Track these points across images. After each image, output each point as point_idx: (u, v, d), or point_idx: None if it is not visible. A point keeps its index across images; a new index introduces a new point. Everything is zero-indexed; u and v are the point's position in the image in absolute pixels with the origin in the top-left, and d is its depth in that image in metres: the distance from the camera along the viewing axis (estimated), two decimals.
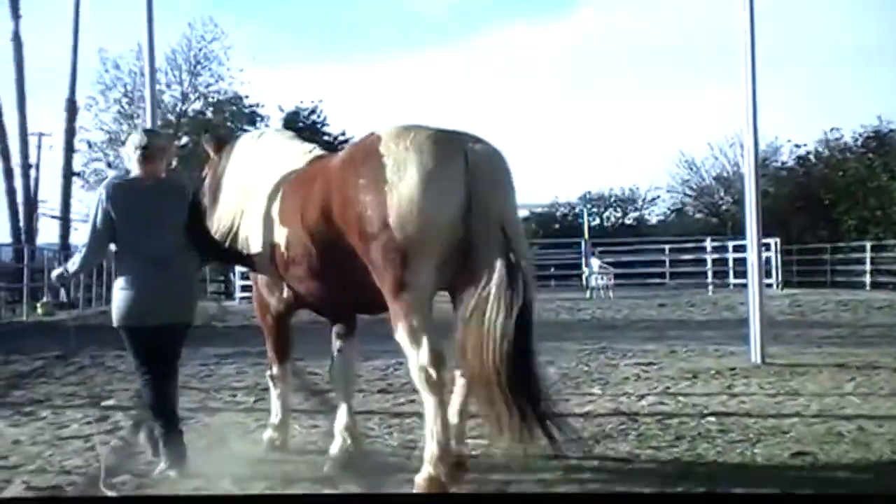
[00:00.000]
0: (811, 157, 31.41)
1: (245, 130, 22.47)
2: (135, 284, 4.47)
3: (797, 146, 31.68)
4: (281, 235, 4.58)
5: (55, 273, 5.03)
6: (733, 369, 8.59)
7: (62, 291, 6.24)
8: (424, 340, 3.93)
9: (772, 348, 9.30)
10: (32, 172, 27.93)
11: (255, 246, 4.86)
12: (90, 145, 27.82)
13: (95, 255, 4.80)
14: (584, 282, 25.33)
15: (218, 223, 5.13)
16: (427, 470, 4.02)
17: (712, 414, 6.31)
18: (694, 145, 39.67)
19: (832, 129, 30.60)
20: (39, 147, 29.47)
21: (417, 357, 3.97)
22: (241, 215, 5.01)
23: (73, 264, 4.76)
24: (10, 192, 25.59)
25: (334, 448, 4.83)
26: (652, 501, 3.64)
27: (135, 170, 4.62)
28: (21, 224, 26.10)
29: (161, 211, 4.59)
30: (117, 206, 4.48)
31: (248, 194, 5.00)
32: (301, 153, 5.04)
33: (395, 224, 3.88)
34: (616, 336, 12.38)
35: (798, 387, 7.53)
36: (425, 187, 3.87)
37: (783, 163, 32.12)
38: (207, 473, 4.47)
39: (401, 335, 4.04)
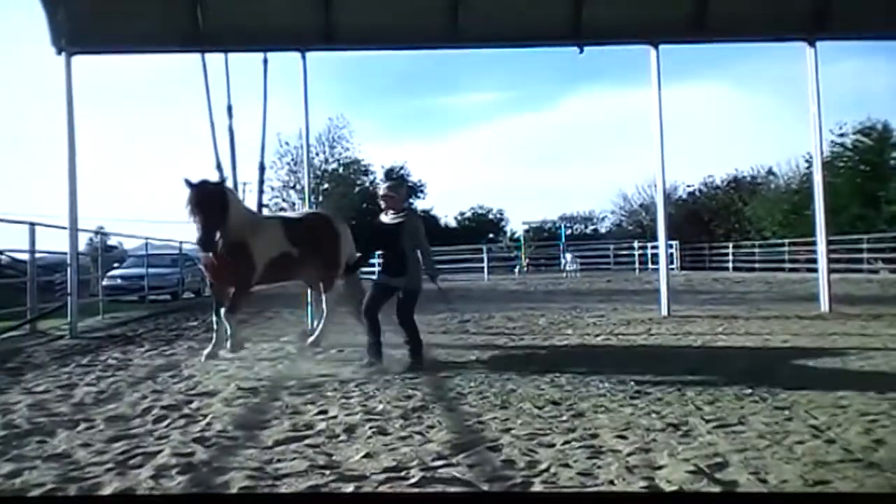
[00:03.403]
0: (696, 192, 46.29)
1: (360, 181, 42.79)
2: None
3: (688, 185, 46.42)
4: None
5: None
6: (651, 319, 11.28)
7: None
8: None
9: (674, 306, 12.11)
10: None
11: None
12: (272, 189, 41.24)
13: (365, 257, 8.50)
14: (562, 267, 35.05)
15: None
16: None
17: (639, 345, 8.56)
18: (627, 186, 52.58)
19: (708, 176, 46.24)
20: (244, 191, 39.92)
21: None
22: None
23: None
24: None
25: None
26: (652, 501, 3.48)
27: (383, 205, 7.46)
28: None
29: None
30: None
31: None
32: None
33: None
34: (581, 300, 16.06)
35: (689, 329, 9.85)
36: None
37: (680, 196, 45.49)
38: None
39: None
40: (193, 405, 5.59)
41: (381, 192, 7.63)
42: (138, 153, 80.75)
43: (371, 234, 7.91)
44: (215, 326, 8.20)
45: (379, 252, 8.06)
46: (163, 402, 5.68)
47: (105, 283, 16.97)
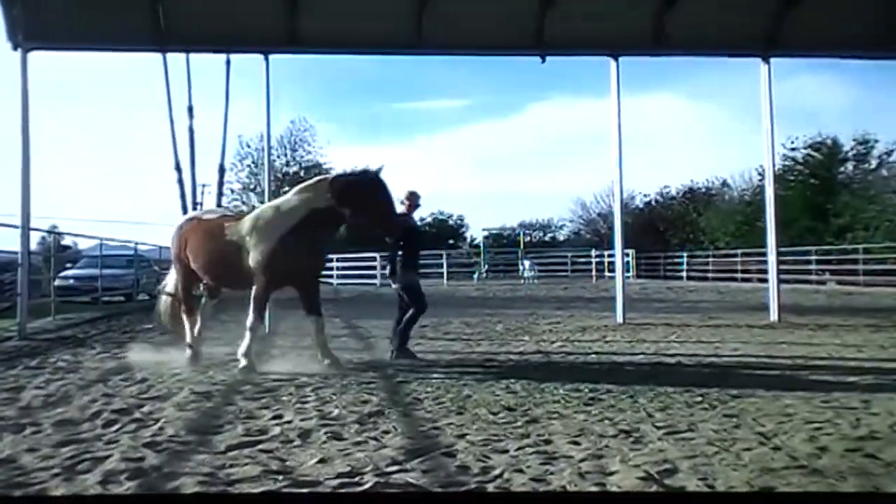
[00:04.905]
0: (652, 202, 46.56)
1: None
2: None
3: (645, 195, 46.60)
4: None
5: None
6: (607, 326, 11.45)
7: None
8: None
9: (629, 314, 12.31)
10: (199, 207, 38.22)
11: None
12: (232, 191, 40.71)
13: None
14: (520, 274, 35.12)
15: None
16: None
17: (594, 352, 8.66)
18: (586, 195, 52.75)
19: (665, 186, 46.69)
20: (203, 192, 41.14)
21: None
22: None
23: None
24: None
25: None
26: (652, 501, 3.51)
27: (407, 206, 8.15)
28: None
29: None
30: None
31: None
32: None
33: None
34: (539, 306, 16.16)
35: (643, 337, 10.02)
36: None
37: (637, 205, 45.53)
38: None
39: None
40: (145, 409, 5.48)
41: (410, 193, 8.42)
42: (95, 152, 79.04)
43: (413, 233, 8.52)
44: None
45: (407, 249, 8.36)
46: (113, 406, 5.56)
47: (57, 283, 16.51)
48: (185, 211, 40.98)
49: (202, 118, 50.04)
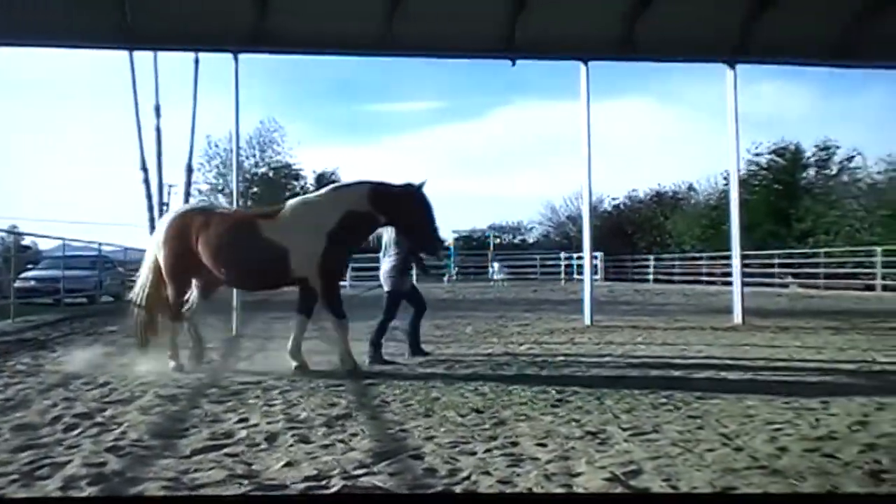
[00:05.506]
0: (621, 205, 46.66)
1: (291, 186, 41.76)
2: None
3: (613, 199, 46.74)
4: None
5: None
6: (575, 328, 11.52)
7: None
8: None
9: (597, 316, 12.43)
10: (165, 207, 39.55)
11: None
12: (200, 192, 40.52)
13: None
14: (489, 276, 35.19)
15: None
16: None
17: (562, 354, 8.67)
18: (555, 198, 53.92)
19: (632, 190, 46.73)
20: (170, 193, 41.53)
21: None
22: None
23: None
24: (152, 219, 37.05)
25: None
26: (652, 501, 3.52)
27: None
28: None
29: None
30: None
31: None
32: None
33: None
34: (507, 308, 16.25)
35: (610, 339, 10.09)
36: None
37: (605, 209, 45.73)
38: None
39: None
40: (107, 413, 5.40)
41: None
42: (58, 151, 77.61)
43: None
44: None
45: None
46: (75, 411, 5.46)
47: (17, 284, 16.18)
48: (151, 211, 41.04)
49: (169, 118, 49.28)
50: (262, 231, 7.27)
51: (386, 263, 8.28)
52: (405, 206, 7.26)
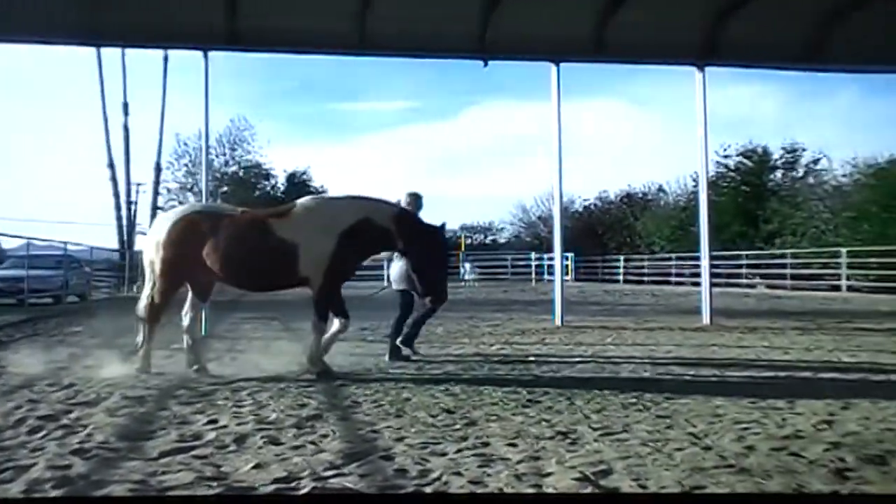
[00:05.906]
0: (591, 206, 47.10)
1: (261, 185, 42.65)
2: None
3: (584, 200, 47.35)
4: None
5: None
6: (545, 329, 11.62)
7: None
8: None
9: (567, 316, 12.51)
10: (133, 206, 42.45)
11: None
12: (168, 191, 41.29)
13: None
14: (460, 277, 34.88)
15: None
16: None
17: (533, 354, 8.73)
18: (526, 198, 53.89)
19: (603, 190, 47.34)
20: (138, 192, 42.77)
21: None
22: None
23: None
24: (119, 218, 40.21)
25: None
26: (622, 501, 3.50)
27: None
28: (124, 238, 40.58)
29: None
30: None
31: None
32: None
33: None
34: (478, 309, 16.21)
35: (581, 339, 10.18)
36: None
37: (576, 209, 46.18)
38: None
39: None
40: (73, 415, 5.30)
41: (414, 195, 8.46)
42: (22, 149, 76.14)
43: None
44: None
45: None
46: (39, 413, 5.36)
47: None
48: (119, 210, 40.37)
49: (138, 115, 48.61)
50: (276, 231, 7.04)
51: (397, 264, 8.19)
52: (428, 242, 7.14)
